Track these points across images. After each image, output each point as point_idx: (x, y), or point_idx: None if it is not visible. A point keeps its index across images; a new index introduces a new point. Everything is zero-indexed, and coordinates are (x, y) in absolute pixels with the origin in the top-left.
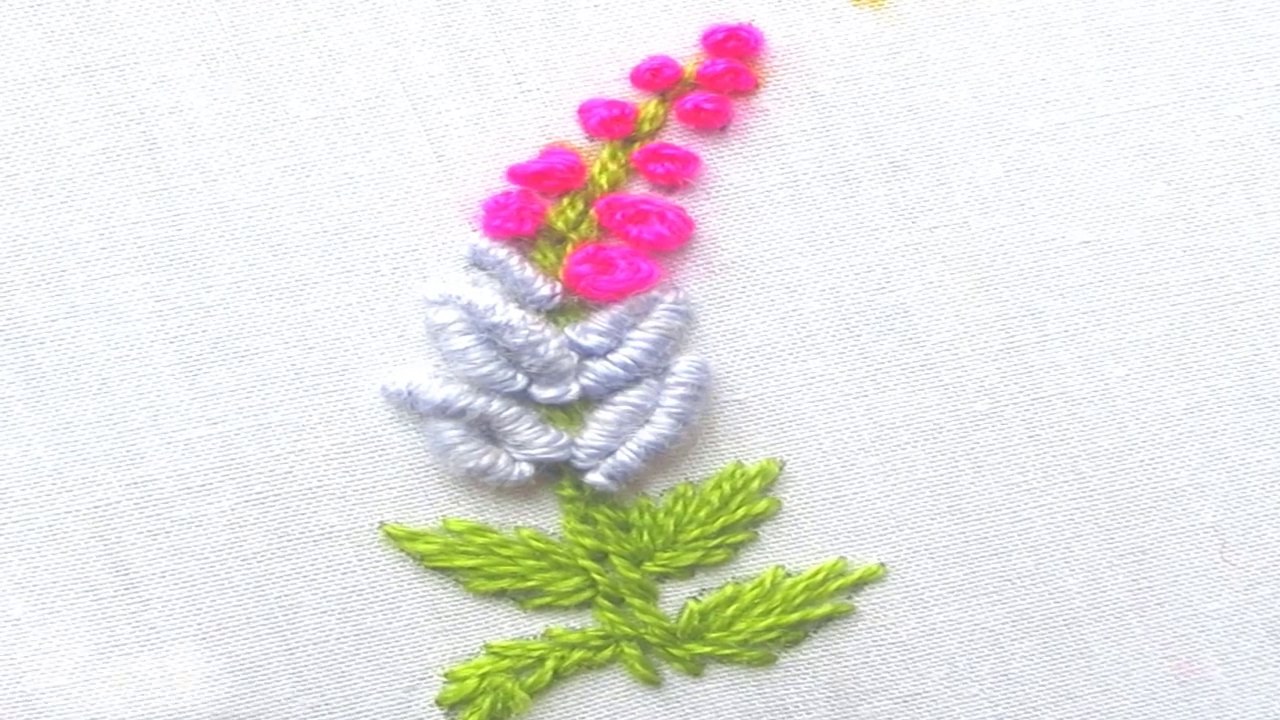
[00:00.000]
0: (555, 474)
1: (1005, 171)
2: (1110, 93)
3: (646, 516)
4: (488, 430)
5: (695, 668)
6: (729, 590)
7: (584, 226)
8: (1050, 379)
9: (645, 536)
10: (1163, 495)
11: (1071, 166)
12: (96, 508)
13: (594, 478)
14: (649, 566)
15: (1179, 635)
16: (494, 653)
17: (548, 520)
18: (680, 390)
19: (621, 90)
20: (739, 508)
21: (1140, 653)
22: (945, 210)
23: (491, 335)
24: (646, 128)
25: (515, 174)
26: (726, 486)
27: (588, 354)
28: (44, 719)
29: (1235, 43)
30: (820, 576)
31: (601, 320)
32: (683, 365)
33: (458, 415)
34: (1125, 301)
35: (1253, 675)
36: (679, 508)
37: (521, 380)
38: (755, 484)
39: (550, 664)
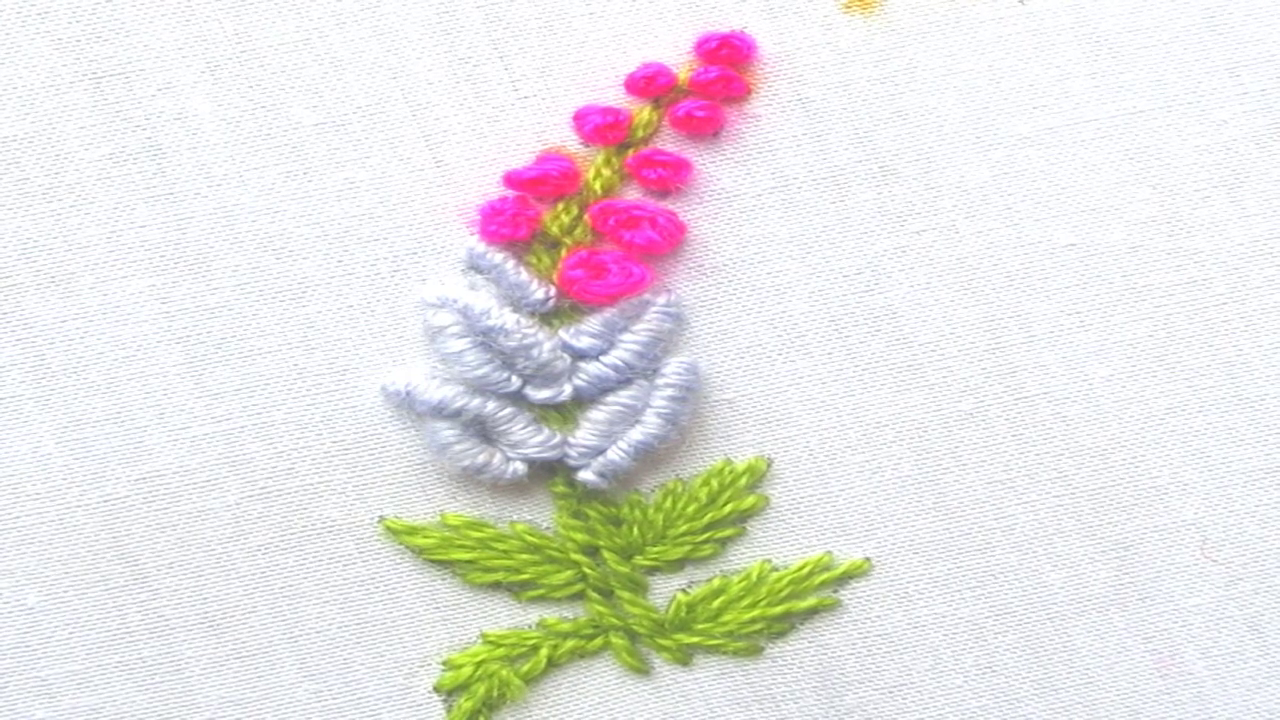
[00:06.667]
0: (549, 471)
1: (993, 176)
2: (1097, 98)
3: (637, 512)
4: (483, 429)
5: (683, 657)
6: (716, 583)
7: (578, 231)
8: (1035, 379)
9: (635, 531)
10: (1145, 493)
11: (1058, 171)
12: (106, 501)
13: (585, 475)
14: (639, 560)
15: (1161, 629)
16: (490, 641)
17: (541, 515)
18: (669, 391)
19: (616, 97)
20: (727, 504)
21: (1122, 646)
22: (933, 214)
23: (487, 338)
24: (640, 134)
25: (511, 180)
26: (715, 483)
27: (580, 355)
28: (57, 704)
29: (1221, 48)
30: (805, 570)
31: (594, 323)
32: (672, 367)
33: (454, 415)
34: (1110, 303)
35: (1234, 669)
36: (669, 504)
37: (516, 381)
38: (743, 481)
39: (544, 652)
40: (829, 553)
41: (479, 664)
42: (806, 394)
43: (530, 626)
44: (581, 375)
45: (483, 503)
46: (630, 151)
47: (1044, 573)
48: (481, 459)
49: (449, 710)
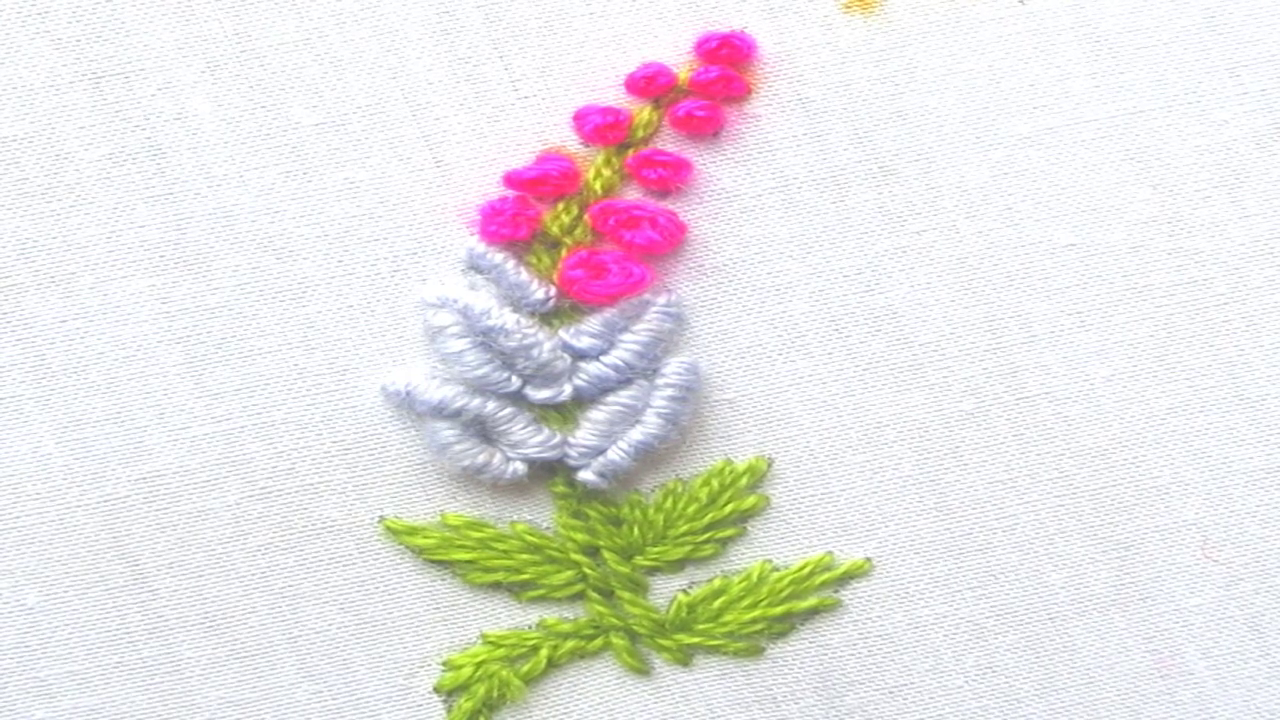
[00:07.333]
0: (549, 471)
1: (993, 176)
2: (1097, 98)
3: (637, 512)
4: (483, 429)
5: (684, 658)
6: (717, 583)
7: (578, 231)
8: (1036, 379)
9: (636, 531)
10: (1146, 493)
11: (1058, 171)
12: (106, 501)
13: (586, 475)
14: (639, 560)
15: (1161, 630)
16: (490, 642)
17: (542, 515)
18: (670, 391)
19: (616, 97)
20: (728, 504)
21: (1123, 646)
22: (933, 214)
23: (487, 338)
24: (640, 134)
25: (512, 180)
26: (715, 483)
27: (580, 355)
28: (57, 704)
29: (1221, 48)
30: (806, 570)
31: (594, 323)
32: (672, 367)
33: (454, 415)
34: (1111, 303)
35: (1234, 669)
36: (669, 504)
37: (516, 382)
38: (744, 481)
39: (544, 653)
40: (830, 553)
41: (479, 664)
42: (807, 394)
43: (530, 627)
44: (581, 375)
45: (483, 503)
46: (630, 151)
47: (1045, 573)
48: (481, 459)
49: (449, 710)
